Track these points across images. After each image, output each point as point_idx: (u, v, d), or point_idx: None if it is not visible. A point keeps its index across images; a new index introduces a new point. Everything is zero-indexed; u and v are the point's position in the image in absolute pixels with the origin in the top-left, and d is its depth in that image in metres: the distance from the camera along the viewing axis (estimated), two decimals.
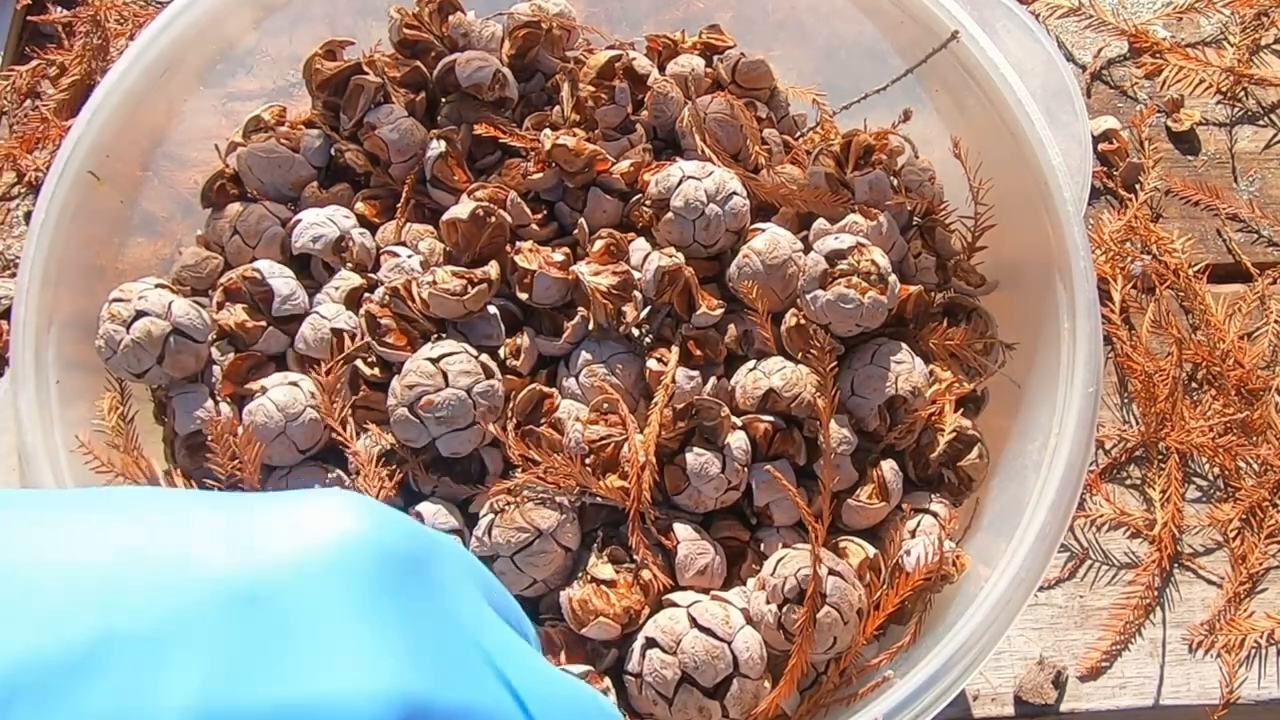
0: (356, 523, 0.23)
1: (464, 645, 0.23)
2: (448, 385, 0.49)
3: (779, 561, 0.48)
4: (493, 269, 0.53)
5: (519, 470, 0.49)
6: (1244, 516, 0.67)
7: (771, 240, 0.53)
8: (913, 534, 0.52)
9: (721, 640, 0.46)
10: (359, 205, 0.58)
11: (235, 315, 0.54)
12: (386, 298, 0.53)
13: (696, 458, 0.49)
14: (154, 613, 0.20)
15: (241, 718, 0.20)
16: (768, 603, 0.48)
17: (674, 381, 0.51)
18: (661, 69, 0.61)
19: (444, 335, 0.53)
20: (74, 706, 0.19)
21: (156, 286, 0.54)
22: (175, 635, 0.20)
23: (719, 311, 0.53)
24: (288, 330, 0.54)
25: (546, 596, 0.50)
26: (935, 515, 0.53)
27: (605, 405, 0.51)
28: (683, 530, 0.50)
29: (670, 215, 0.53)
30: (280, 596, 0.21)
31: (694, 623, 0.47)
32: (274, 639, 0.21)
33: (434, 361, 0.49)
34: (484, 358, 0.51)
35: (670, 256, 0.52)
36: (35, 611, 0.20)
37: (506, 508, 0.48)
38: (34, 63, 0.77)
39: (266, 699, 0.20)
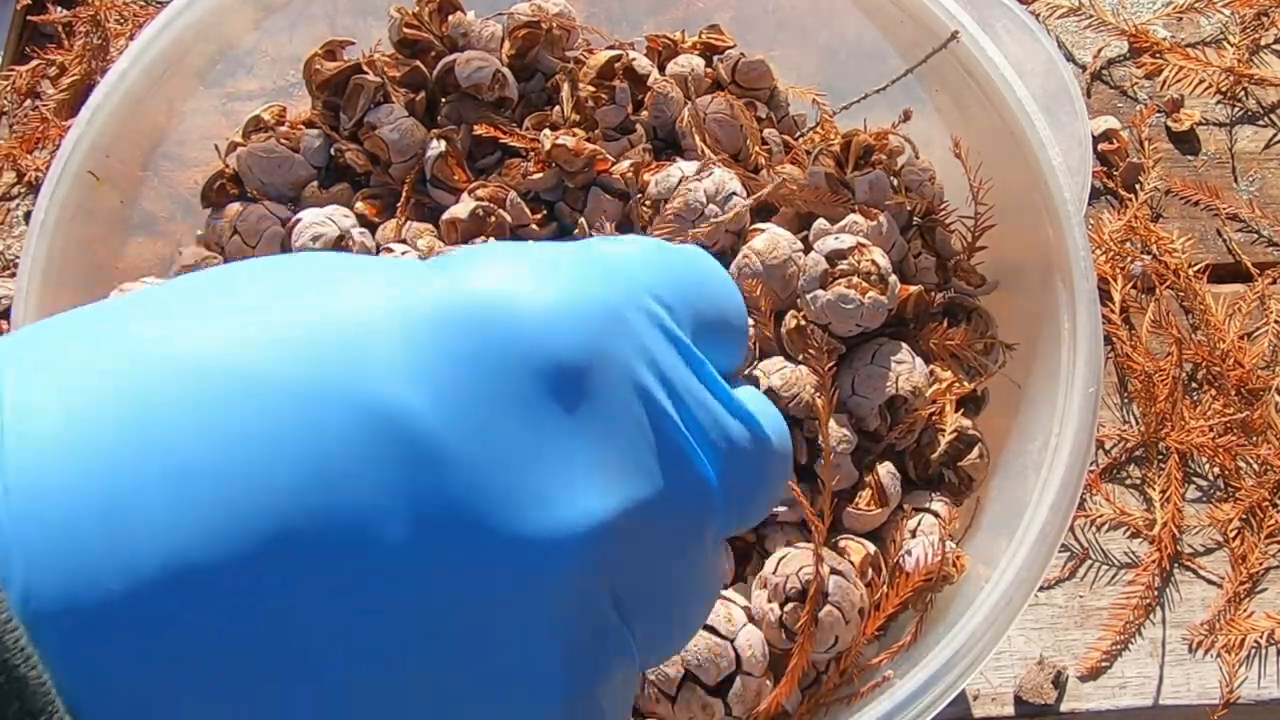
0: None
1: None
2: None
3: (780, 560, 0.48)
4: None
5: None
6: (1244, 516, 0.67)
7: (771, 240, 0.53)
8: (913, 534, 0.52)
9: (724, 638, 0.46)
10: (359, 205, 0.58)
11: None
12: None
13: None
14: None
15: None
16: (769, 601, 0.48)
17: None
18: (661, 69, 0.61)
19: None
20: None
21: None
22: None
23: None
24: None
25: None
26: (936, 515, 0.53)
27: None
28: None
29: (670, 215, 0.54)
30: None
31: None
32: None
33: None
34: None
35: None
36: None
37: None
38: (34, 63, 0.76)
39: None
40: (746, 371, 0.52)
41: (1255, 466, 0.69)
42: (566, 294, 0.20)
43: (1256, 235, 0.76)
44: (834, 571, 0.48)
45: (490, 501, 0.18)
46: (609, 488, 0.20)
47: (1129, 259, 0.74)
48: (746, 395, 0.24)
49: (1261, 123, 0.80)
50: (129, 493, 0.16)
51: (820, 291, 0.51)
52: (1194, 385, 0.72)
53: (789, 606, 0.47)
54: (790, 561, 0.48)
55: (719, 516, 0.22)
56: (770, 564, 0.49)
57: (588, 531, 0.19)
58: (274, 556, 0.16)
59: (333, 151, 0.59)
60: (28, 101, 0.77)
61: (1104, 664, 0.64)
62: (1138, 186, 0.76)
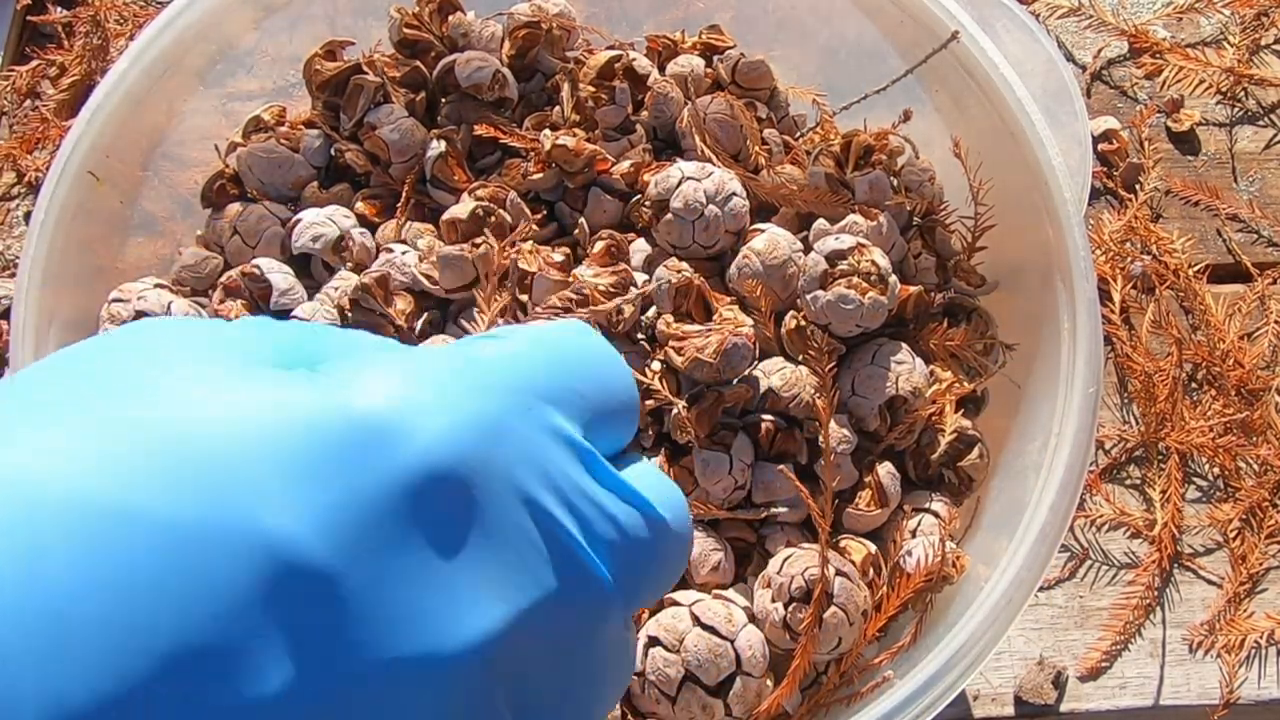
0: (437, 426, 0.20)
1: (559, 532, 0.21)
2: None
3: (785, 560, 0.48)
4: (490, 239, 0.53)
5: None
6: (1244, 516, 0.67)
7: (771, 240, 0.53)
8: (913, 534, 0.52)
9: (724, 638, 0.46)
10: (359, 205, 0.58)
11: (236, 309, 0.54)
12: (358, 292, 0.52)
13: (704, 462, 0.49)
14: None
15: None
16: (773, 601, 0.48)
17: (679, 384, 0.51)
18: (661, 69, 0.61)
19: (442, 332, 0.53)
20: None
21: (156, 286, 0.54)
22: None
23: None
24: None
25: None
26: (936, 515, 0.53)
27: None
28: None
29: (669, 216, 0.53)
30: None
31: (697, 621, 0.47)
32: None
33: None
34: None
35: (678, 272, 0.52)
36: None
37: None
38: (34, 63, 0.77)
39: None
40: (747, 372, 0.52)
41: (1255, 466, 0.69)
42: (445, 411, 0.20)
43: (1256, 235, 0.77)
44: (839, 573, 0.48)
45: (379, 627, 0.18)
46: (497, 599, 0.20)
47: (1129, 259, 0.74)
48: (639, 473, 0.24)
49: (1261, 123, 0.80)
50: (9, 634, 0.15)
51: (820, 292, 0.51)
52: (1194, 385, 0.72)
53: (793, 606, 0.47)
54: (795, 561, 0.48)
55: (616, 606, 0.23)
56: (775, 563, 0.49)
57: (476, 645, 0.19)
58: (155, 699, 0.16)
59: (333, 151, 0.59)
60: (28, 101, 0.77)
61: (1104, 664, 0.64)
62: (1138, 186, 0.76)
